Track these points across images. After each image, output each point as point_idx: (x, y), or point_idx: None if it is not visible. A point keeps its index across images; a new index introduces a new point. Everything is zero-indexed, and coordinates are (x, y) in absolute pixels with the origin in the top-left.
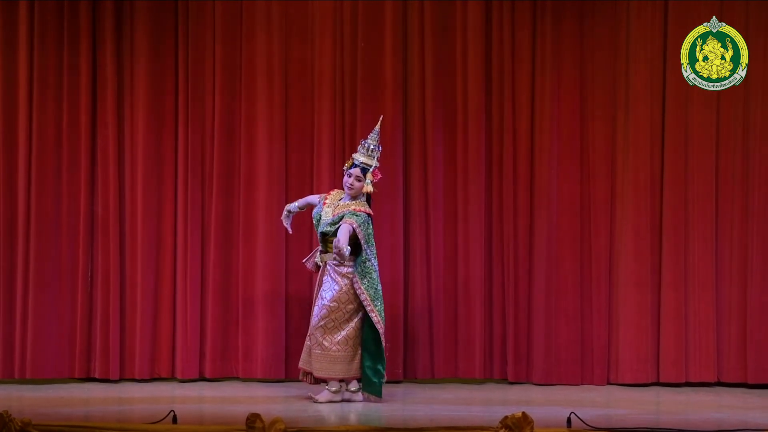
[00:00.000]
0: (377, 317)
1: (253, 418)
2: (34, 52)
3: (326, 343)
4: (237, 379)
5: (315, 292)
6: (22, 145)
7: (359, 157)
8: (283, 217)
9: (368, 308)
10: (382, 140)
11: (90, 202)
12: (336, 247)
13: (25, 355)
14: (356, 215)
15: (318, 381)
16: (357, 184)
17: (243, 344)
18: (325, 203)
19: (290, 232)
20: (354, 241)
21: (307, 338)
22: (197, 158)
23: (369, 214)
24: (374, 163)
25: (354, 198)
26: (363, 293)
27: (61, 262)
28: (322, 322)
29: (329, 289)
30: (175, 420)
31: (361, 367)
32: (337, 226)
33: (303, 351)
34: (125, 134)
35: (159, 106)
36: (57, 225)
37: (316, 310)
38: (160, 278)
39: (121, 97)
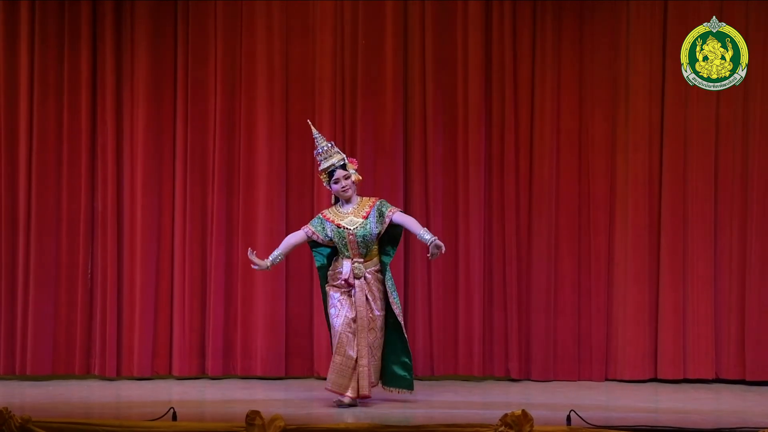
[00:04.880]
0: (398, 309)
1: (252, 415)
2: (34, 51)
3: (379, 353)
4: (236, 376)
5: (361, 305)
6: (23, 143)
7: (330, 161)
8: (258, 267)
9: (391, 299)
10: (382, 138)
11: (90, 200)
12: (437, 246)
13: (25, 350)
14: (384, 203)
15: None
16: (349, 182)
17: (242, 342)
18: (331, 220)
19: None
20: (393, 230)
21: (362, 358)
22: (197, 156)
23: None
24: (342, 155)
25: (352, 198)
26: (388, 280)
27: (61, 259)
28: (380, 334)
29: (376, 299)
30: (174, 417)
31: (384, 366)
32: (385, 222)
33: (361, 377)
34: (125, 132)
35: (159, 104)
36: (57, 222)
37: (363, 322)
38: (160, 275)
39: (121, 94)
